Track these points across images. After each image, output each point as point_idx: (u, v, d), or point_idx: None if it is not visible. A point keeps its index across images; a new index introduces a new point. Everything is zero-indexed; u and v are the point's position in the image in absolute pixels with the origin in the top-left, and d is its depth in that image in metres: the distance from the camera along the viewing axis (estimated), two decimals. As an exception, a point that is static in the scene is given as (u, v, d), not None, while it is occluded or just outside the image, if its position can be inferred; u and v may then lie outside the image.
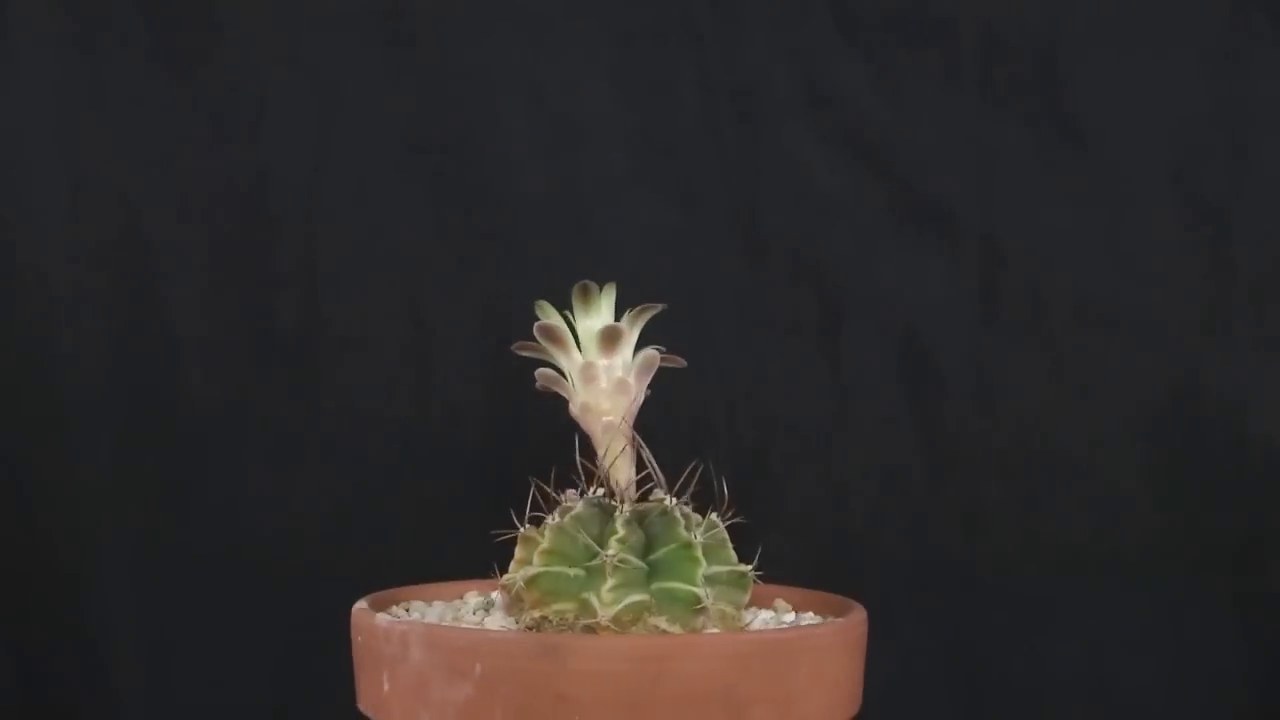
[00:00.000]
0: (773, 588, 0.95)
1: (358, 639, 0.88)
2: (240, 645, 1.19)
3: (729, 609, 0.86)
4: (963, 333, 1.18)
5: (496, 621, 0.88)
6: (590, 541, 0.85)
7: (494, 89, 1.18)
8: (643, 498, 0.88)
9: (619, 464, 0.88)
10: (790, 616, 0.92)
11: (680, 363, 0.90)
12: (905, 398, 1.19)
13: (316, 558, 1.18)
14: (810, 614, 0.93)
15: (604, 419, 0.88)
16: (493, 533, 0.88)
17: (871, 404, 1.19)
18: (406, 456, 1.20)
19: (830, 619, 0.91)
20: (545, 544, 0.85)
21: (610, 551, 0.84)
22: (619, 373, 0.89)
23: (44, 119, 1.18)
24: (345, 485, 1.19)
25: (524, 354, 0.90)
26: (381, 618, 0.87)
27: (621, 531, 0.84)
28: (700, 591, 0.84)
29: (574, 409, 0.89)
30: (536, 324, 0.90)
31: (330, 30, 1.18)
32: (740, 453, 1.19)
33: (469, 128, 1.19)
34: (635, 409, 0.89)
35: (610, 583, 0.83)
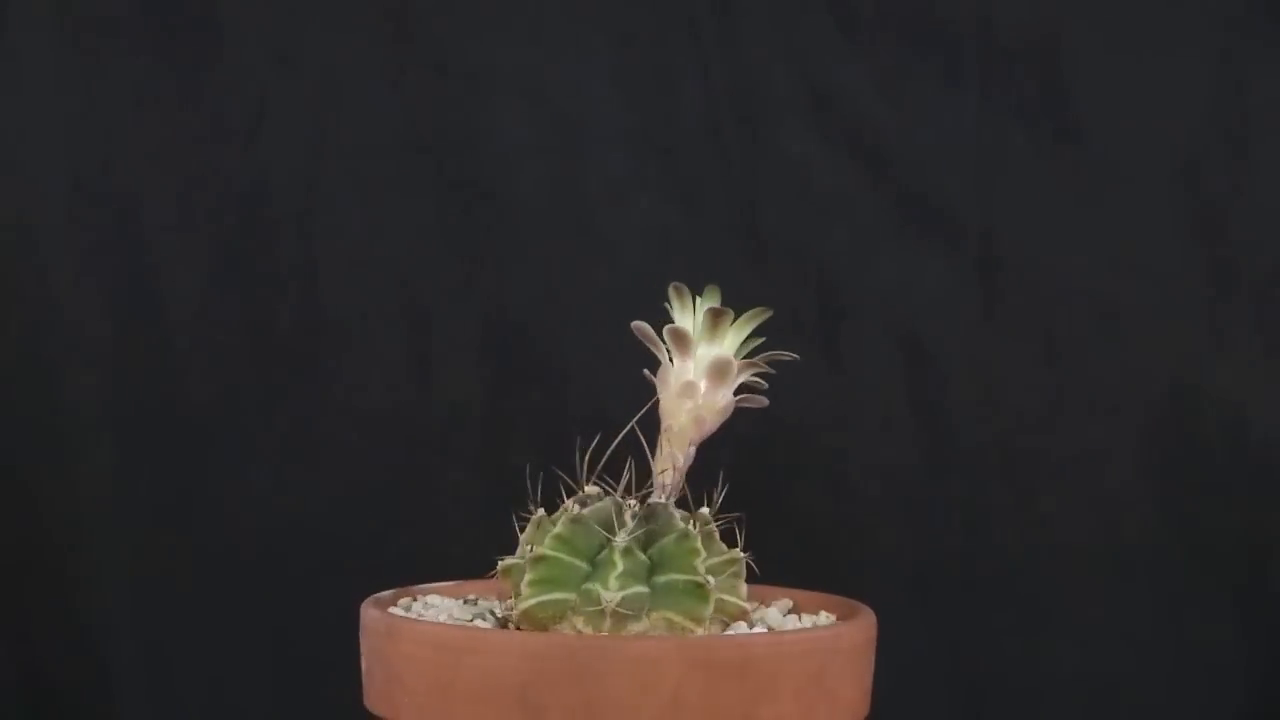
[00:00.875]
0: (780, 589, 0.95)
1: (366, 637, 0.88)
2: (240, 645, 1.19)
3: (729, 598, 0.86)
4: (963, 332, 1.19)
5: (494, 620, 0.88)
6: (582, 564, 0.84)
7: (494, 89, 1.19)
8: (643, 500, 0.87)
9: (675, 478, 0.87)
10: (792, 618, 0.92)
11: (762, 402, 0.90)
12: (905, 397, 1.19)
13: (316, 557, 1.18)
14: (821, 615, 0.93)
15: (666, 422, 0.88)
16: (497, 557, 0.88)
17: (872, 403, 1.19)
18: (406, 455, 1.20)
19: (840, 621, 0.91)
20: (529, 575, 0.84)
21: (609, 596, 0.82)
22: (716, 396, 0.89)
23: (44, 119, 1.18)
24: (345, 484, 1.19)
25: (640, 333, 0.89)
26: (388, 615, 0.87)
27: (621, 565, 0.84)
28: (701, 632, 0.84)
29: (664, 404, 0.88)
30: (668, 327, 0.89)
31: (330, 30, 1.18)
32: (740, 452, 1.19)
33: (469, 128, 1.19)
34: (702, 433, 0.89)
35: (611, 622, 0.83)
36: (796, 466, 1.19)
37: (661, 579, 0.84)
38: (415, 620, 0.87)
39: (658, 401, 0.88)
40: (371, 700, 0.87)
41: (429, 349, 1.20)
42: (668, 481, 0.87)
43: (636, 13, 1.18)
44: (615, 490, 0.87)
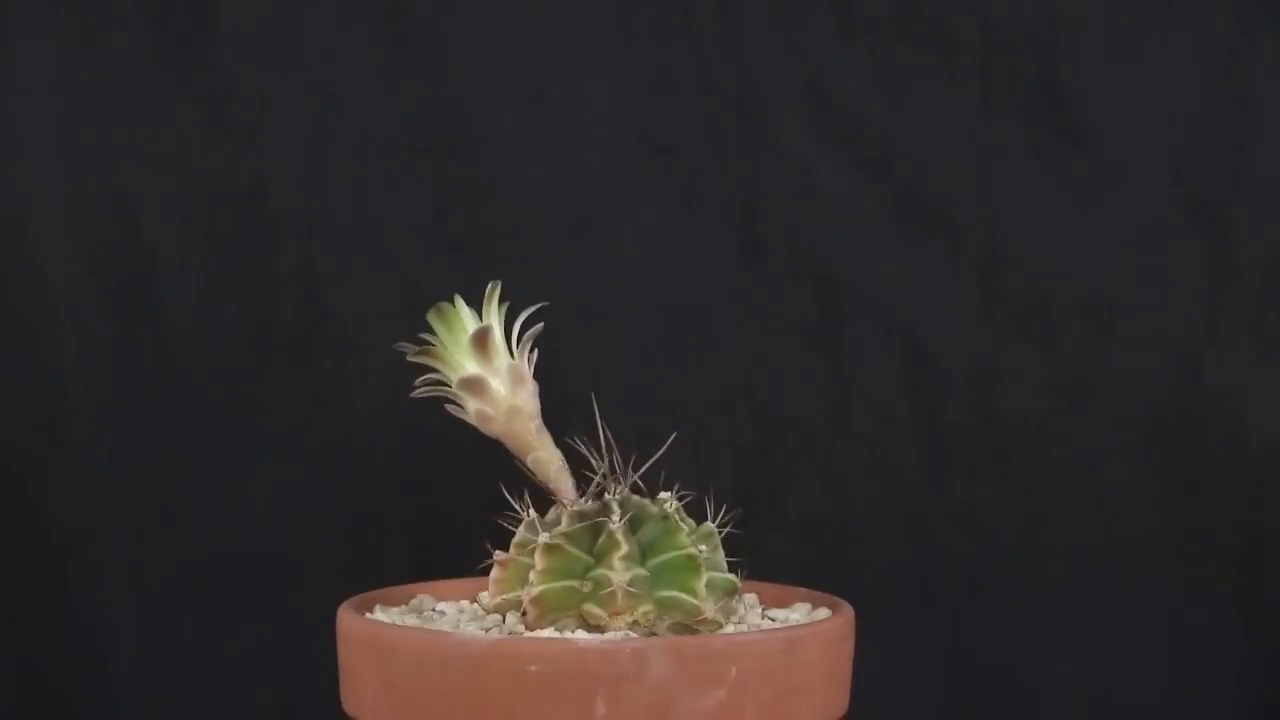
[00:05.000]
0: (764, 585, 0.95)
1: (341, 641, 0.87)
2: (240, 645, 1.19)
3: (714, 614, 0.86)
4: (963, 333, 1.18)
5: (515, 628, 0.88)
6: (585, 556, 0.85)
7: (494, 88, 1.18)
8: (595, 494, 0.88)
9: (561, 469, 0.88)
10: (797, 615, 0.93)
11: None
12: (905, 397, 1.19)
13: (316, 557, 1.18)
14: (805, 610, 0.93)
15: (533, 422, 0.88)
16: (485, 563, 0.89)
17: (872, 404, 1.19)
18: (406, 455, 1.20)
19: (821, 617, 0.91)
20: (538, 564, 0.85)
21: (618, 577, 0.83)
22: (526, 373, 0.89)
23: (44, 119, 1.18)
24: (345, 484, 1.19)
25: (416, 360, 0.90)
26: (363, 619, 0.87)
27: (625, 547, 0.84)
28: (701, 604, 0.84)
29: (492, 413, 0.89)
30: (473, 331, 0.89)
31: (330, 30, 1.18)
32: (740, 452, 1.19)
33: (469, 127, 1.19)
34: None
35: (623, 601, 0.83)
36: (796, 467, 1.19)
37: (655, 560, 0.85)
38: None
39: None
40: (346, 702, 0.87)
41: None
42: (566, 485, 0.87)
43: (636, 13, 1.18)
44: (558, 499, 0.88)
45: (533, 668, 0.80)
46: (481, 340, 0.88)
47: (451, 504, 1.19)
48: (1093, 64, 1.17)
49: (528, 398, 0.89)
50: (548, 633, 0.85)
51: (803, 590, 0.95)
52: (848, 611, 0.89)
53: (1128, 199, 1.18)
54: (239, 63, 1.18)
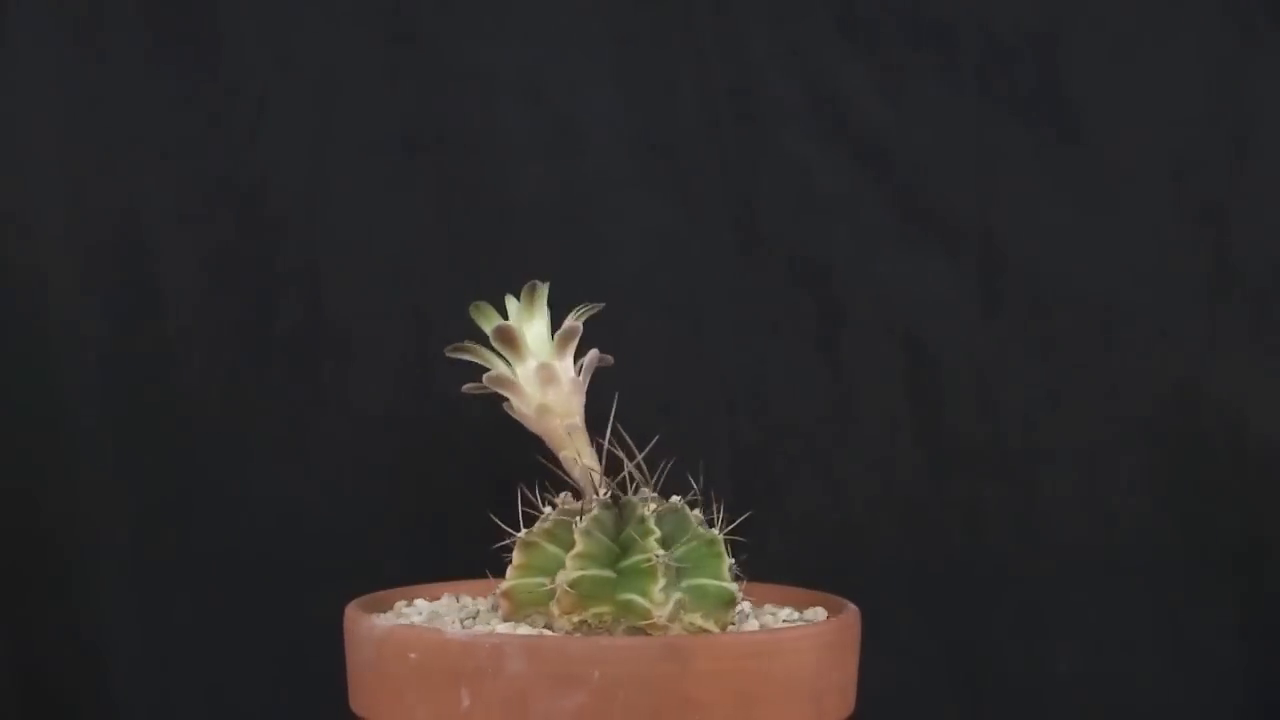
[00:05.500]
0: (770, 586, 0.95)
1: (349, 640, 0.88)
2: (240, 645, 1.19)
3: (703, 623, 0.86)
4: (963, 333, 1.18)
5: (491, 624, 0.88)
6: (610, 544, 0.85)
7: (494, 89, 1.18)
8: (613, 496, 0.88)
9: (592, 464, 0.88)
10: (785, 612, 0.93)
11: (609, 361, 0.91)
12: (905, 398, 1.19)
13: (316, 558, 1.18)
14: (811, 612, 0.93)
15: (568, 421, 0.88)
16: (497, 546, 0.88)
17: (871, 404, 1.19)
18: (406, 456, 1.20)
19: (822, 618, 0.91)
20: (515, 558, 0.85)
21: (562, 576, 0.84)
22: (572, 373, 0.89)
23: (44, 119, 1.17)
24: (344, 484, 1.19)
25: (462, 357, 0.90)
26: (370, 619, 0.87)
27: (580, 546, 0.84)
28: (731, 587, 0.85)
29: (526, 411, 0.89)
30: (495, 326, 0.89)
31: (330, 30, 1.18)
32: (740, 453, 1.19)
33: (469, 127, 1.19)
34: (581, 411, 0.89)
35: (661, 583, 0.83)
36: (796, 466, 1.19)
37: (625, 563, 0.85)
38: (390, 624, 0.87)
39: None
40: (353, 701, 0.88)
41: (429, 349, 1.20)
42: (596, 478, 0.88)
43: (636, 13, 1.18)
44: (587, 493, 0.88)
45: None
46: (506, 338, 0.89)
47: (451, 504, 1.19)
48: (1093, 64, 1.17)
49: (559, 397, 0.89)
50: (524, 628, 0.85)
51: (808, 592, 0.94)
52: (853, 613, 0.89)
53: (1128, 199, 1.18)
54: (239, 63, 1.18)
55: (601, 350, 1.17)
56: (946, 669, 1.20)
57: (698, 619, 0.85)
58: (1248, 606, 1.18)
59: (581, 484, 0.88)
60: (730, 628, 0.87)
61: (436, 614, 0.93)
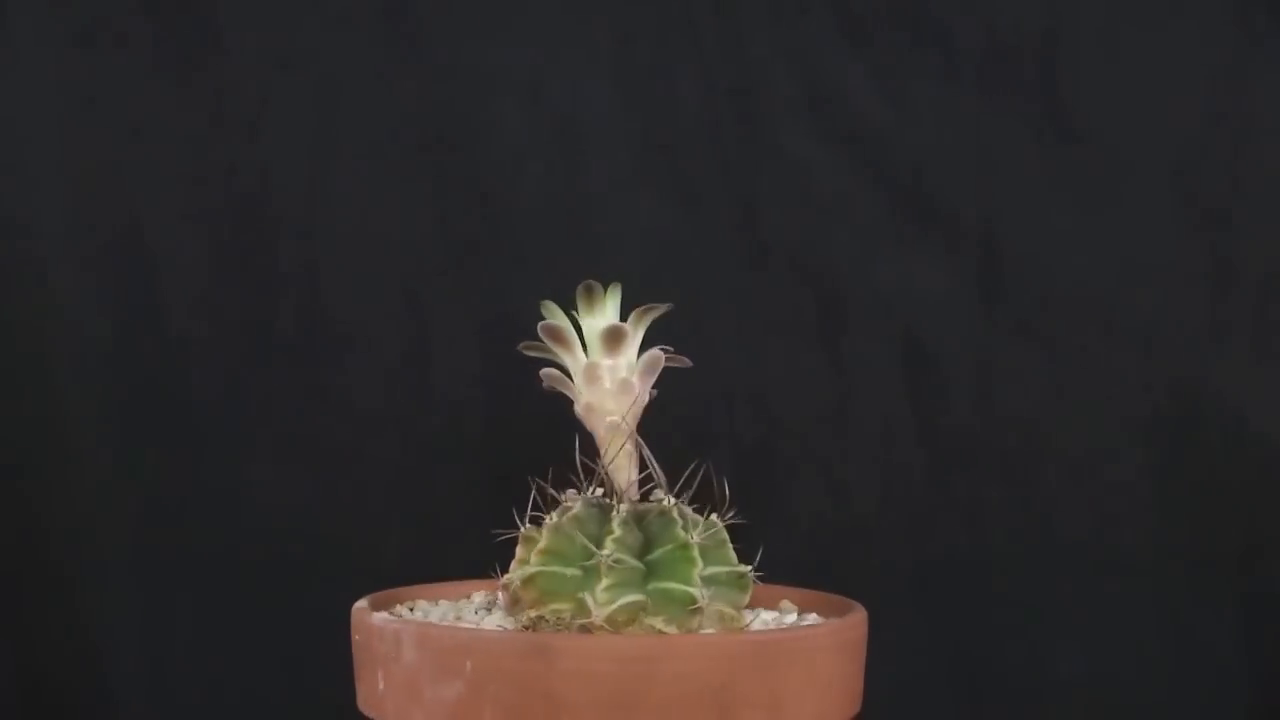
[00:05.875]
0: (778, 588, 0.94)
1: (356, 638, 0.88)
2: (240, 645, 1.19)
3: (727, 609, 0.86)
4: (963, 333, 1.18)
5: (496, 621, 0.88)
6: (587, 542, 0.85)
7: (494, 89, 1.19)
8: (644, 498, 0.88)
9: (620, 464, 0.88)
10: (792, 617, 0.92)
11: (686, 362, 0.90)
12: (905, 398, 1.19)
13: (316, 557, 1.18)
14: (814, 615, 0.93)
15: (608, 419, 0.89)
16: (494, 531, 0.88)
17: (872, 404, 1.19)
18: (406, 456, 1.20)
19: (828, 619, 0.90)
20: (542, 543, 0.86)
21: (606, 551, 0.84)
22: (623, 373, 0.89)
23: (44, 119, 1.18)
24: (345, 485, 1.19)
25: (530, 354, 0.90)
26: (377, 617, 0.87)
27: (618, 531, 0.84)
28: (696, 592, 0.84)
29: (578, 409, 0.89)
30: (541, 324, 0.90)
31: (330, 29, 1.18)
32: (740, 453, 1.19)
33: (469, 127, 1.19)
34: (639, 409, 0.89)
35: (605, 582, 0.83)
36: (796, 467, 1.19)
37: (655, 585, 0.85)
38: (402, 622, 0.87)
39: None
40: (362, 702, 0.88)
41: (429, 349, 1.20)
42: (621, 478, 0.88)
43: (636, 13, 1.18)
44: (613, 492, 0.87)
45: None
46: (555, 335, 0.89)
47: (452, 504, 1.19)
48: (1093, 64, 1.17)
49: (604, 397, 0.89)
50: (510, 621, 0.87)
51: (816, 593, 0.94)
52: (859, 613, 0.88)
53: (1128, 199, 1.18)
54: (239, 63, 1.18)
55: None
56: (947, 669, 1.20)
57: (659, 622, 0.84)
58: (1248, 606, 1.18)
59: (610, 484, 0.88)
60: (735, 625, 0.87)
61: (450, 612, 0.93)
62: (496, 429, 1.20)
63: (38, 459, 1.18)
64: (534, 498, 0.88)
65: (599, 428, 0.89)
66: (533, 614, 0.85)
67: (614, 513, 0.86)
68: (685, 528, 0.85)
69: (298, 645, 1.18)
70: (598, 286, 0.90)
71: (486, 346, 1.19)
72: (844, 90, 1.18)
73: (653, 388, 0.90)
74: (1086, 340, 1.18)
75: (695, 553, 0.85)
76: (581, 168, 1.19)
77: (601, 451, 0.89)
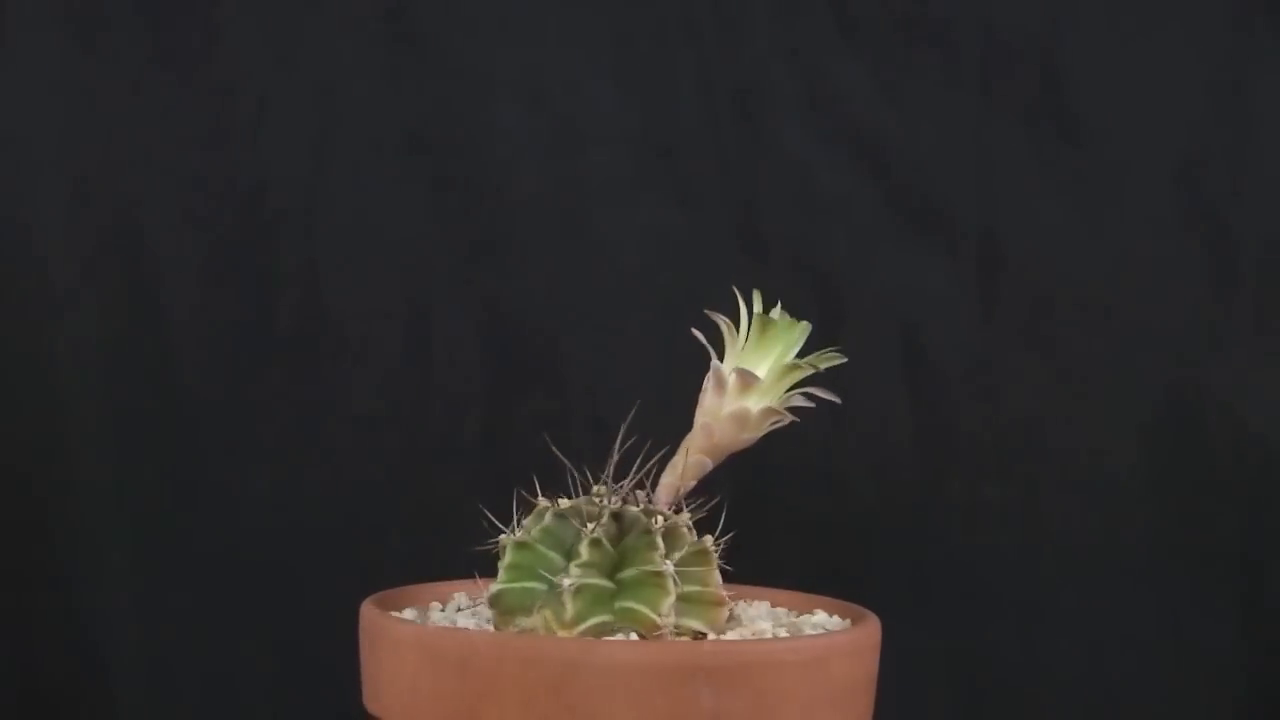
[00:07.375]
0: (811, 596, 0.94)
1: (364, 637, 0.88)
2: (240, 645, 1.19)
3: (701, 626, 0.85)
4: (963, 332, 1.18)
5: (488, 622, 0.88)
6: (557, 557, 0.84)
7: (494, 89, 1.18)
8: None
9: (677, 464, 0.87)
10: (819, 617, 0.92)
11: (834, 399, 0.89)
12: (905, 397, 1.19)
13: (317, 557, 1.18)
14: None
15: (694, 440, 0.88)
16: (483, 546, 0.88)
17: (871, 404, 1.19)
18: (406, 456, 1.20)
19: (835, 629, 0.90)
20: (507, 559, 0.85)
21: (569, 582, 0.82)
22: (767, 403, 0.88)
23: (44, 119, 1.18)
24: (345, 485, 1.19)
25: (713, 316, 0.89)
26: (386, 616, 0.87)
27: (585, 555, 0.83)
28: (659, 619, 0.82)
29: (709, 383, 0.88)
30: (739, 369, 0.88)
31: (330, 30, 1.18)
32: (739, 452, 1.19)
33: (469, 128, 1.19)
34: (735, 437, 0.88)
35: (572, 607, 0.82)
36: (796, 467, 1.19)
37: (623, 605, 0.84)
38: (410, 622, 0.87)
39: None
40: (369, 700, 0.88)
41: (429, 349, 1.20)
42: (666, 481, 0.87)
43: (636, 13, 1.18)
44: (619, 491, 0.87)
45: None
46: (719, 377, 0.88)
47: (452, 504, 1.19)
48: (1093, 64, 1.17)
49: (708, 420, 0.88)
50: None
51: (828, 600, 0.94)
52: (874, 622, 0.88)
53: (1128, 199, 1.18)
54: (239, 63, 1.18)
55: (595, 349, 1.18)
56: (946, 669, 1.20)
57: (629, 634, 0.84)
58: (1248, 606, 1.18)
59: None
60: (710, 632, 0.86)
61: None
62: (496, 429, 1.20)
63: (38, 459, 1.18)
64: (520, 502, 0.88)
65: (688, 443, 0.88)
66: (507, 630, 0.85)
67: (586, 528, 0.84)
68: (665, 552, 0.83)
69: (298, 645, 1.18)
70: (789, 320, 0.89)
71: (487, 346, 1.19)
72: (844, 90, 1.18)
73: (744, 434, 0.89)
74: (1086, 340, 1.18)
75: (668, 582, 0.83)
76: (581, 168, 1.19)
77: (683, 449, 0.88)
